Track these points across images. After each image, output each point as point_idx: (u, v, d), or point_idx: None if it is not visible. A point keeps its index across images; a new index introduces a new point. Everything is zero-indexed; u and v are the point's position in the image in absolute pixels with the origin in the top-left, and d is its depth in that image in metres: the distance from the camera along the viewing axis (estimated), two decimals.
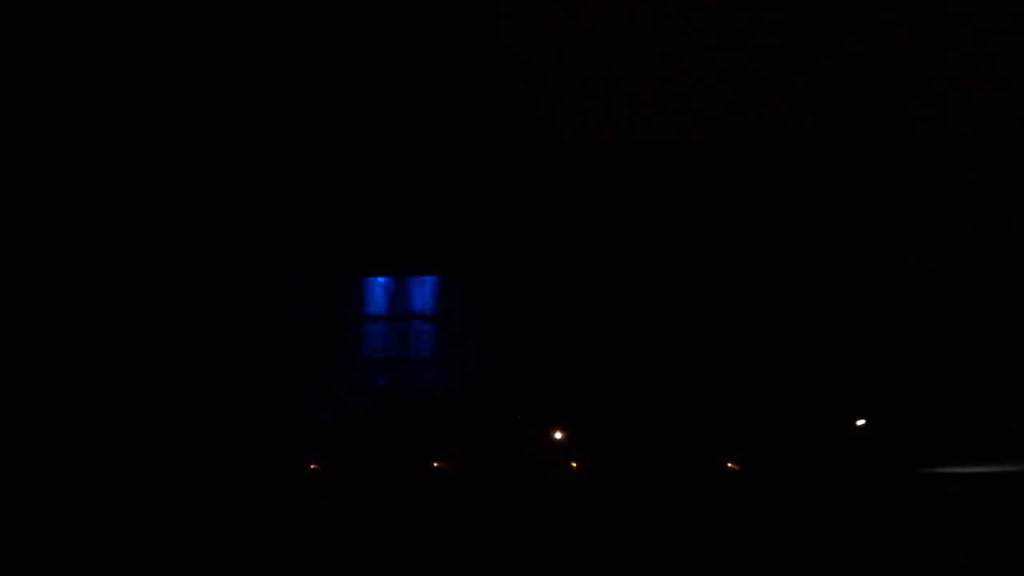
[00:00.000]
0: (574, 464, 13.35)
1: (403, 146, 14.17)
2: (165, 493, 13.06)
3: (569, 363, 13.65)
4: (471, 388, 13.84)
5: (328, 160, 14.26)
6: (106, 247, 14.07)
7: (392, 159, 14.18)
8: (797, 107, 13.25)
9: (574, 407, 13.54)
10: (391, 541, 12.52)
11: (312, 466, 13.61)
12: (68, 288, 13.94)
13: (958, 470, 12.46)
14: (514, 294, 13.91)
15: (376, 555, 12.43)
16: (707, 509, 12.53)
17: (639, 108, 13.57)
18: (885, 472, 12.63)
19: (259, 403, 13.84)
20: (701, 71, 13.30)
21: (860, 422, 12.90)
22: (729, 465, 13.10)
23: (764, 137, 13.50)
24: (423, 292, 14.29)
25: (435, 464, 13.53)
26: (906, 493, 12.34)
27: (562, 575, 12.14)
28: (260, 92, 13.93)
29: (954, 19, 12.66)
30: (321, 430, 13.79)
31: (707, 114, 13.46)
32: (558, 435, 13.44)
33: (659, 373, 13.46)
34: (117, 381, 13.77)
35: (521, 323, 13.83)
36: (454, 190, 14.11)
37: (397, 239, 14.18)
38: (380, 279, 14.35)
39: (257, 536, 12.57)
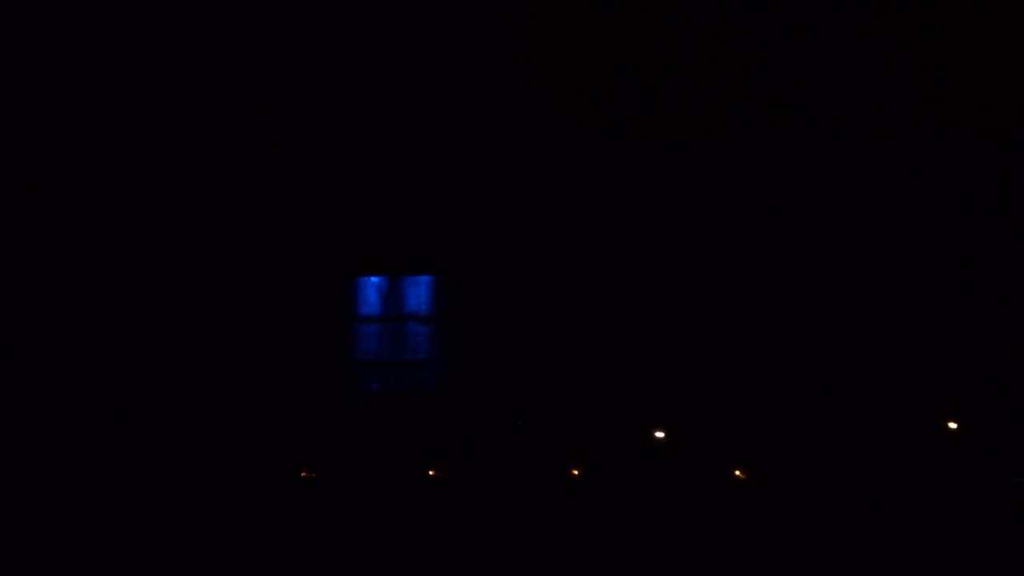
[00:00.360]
0: (575, 471, 13.13)
1: (398, 142, 14.08)
2: (153, 500, 12.89)
3: (570, 365, 13.50)
4: (468, 391, 13.70)
5: (320, 156, 14.18)
6: (96, 249, 14.00)
7: (386, 155, 14.08)
8: (800, 105, 13.28)
9: (575, 411, 13.38)
10: (386, 550, 12.32)
11: (303, 474, 13.41)
12: (60, 291, 13.88)
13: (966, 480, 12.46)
14: (512, 294, 13.78)
15: (371, 565, 12.25)
16: (713, 518, 12.34)
17: (638, 106, 13.54)
18: (894, 479, 12.58)
19: (249, 408, 13.67)
20: (701, 69, 13.28)
21: (952, 425, 12.70)
22: (737, 473, 12.91)
23: (767, 135, 13.48)
24: (418, 292, 14.18)
25: (431, 471, 13.34)
26: (911, 499, 12.26)
27: None
28: (252, 91, 13.93)
29: (954, 17, 12.74)
30: (313, 436, 13.64)
31: (708, 112, 13.45)
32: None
33: (664, 376, 13.32)
34: (106, 384, 13.68)
35: (519, 324, 13.70)
36: (450, 187, 14.00)
37: (391, 238, 14.07)
38: (374, 279, 14.23)
39: (247, 546, 12.38)
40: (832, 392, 12.98)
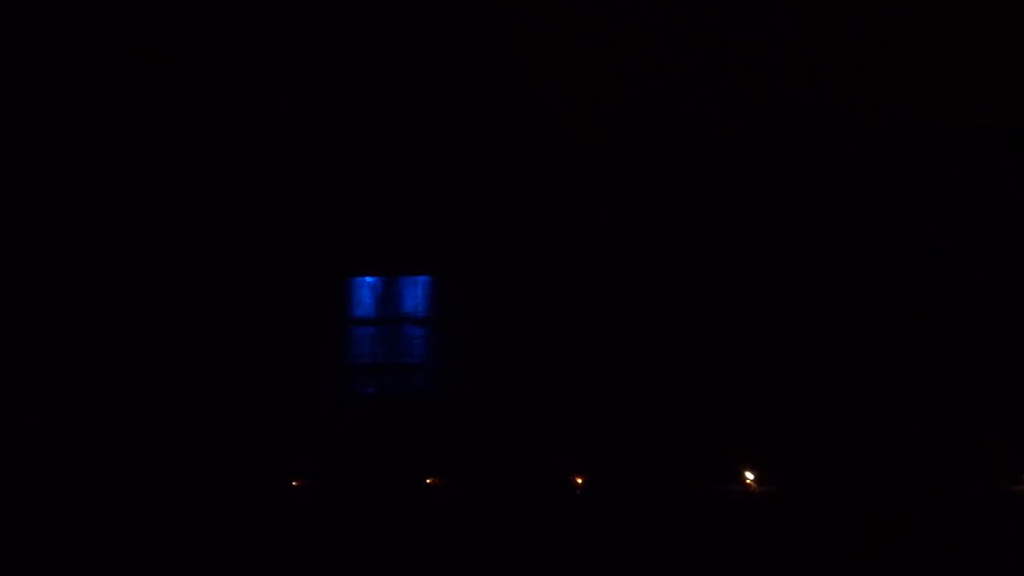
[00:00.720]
0: (578, 478, 12.86)
1: (393, 139, 13.94)
2: (138, 509, 12.73)
3: (572, 369, 13.29)
4: (466, 396, 13.54)
5: (313, 153, 14.04)
6: (84, 250, 13.86)
7: (382, 149, 13.95)
8: (804, 101, 13.05)
9: (577, 416, 13.13)
10: (381, 561, 12.16)
11: (295, 483, 13.19)
12: (48, 291, 13.75)
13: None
14: (513, 295, 13.60)
15: None
16: (720, 527, 12.09)
17: (643, 103, 13.37)
18: (904, 487, 12.20)
19: (237, 414, 13.50)
20: (706, 65, 13.08)
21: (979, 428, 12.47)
22: (748, 481, 12.60)
23: (771, 131, 13.33)
24: (415, 293, 14.04)
25: (429, 480, 13.10)
26: (922, 506, 11.89)
27: None
28: (242, 86, 13.78)
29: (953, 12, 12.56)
30: (304, 442, 13.46)
31: (712, 109, 13.29)
32: None
33: (670, 379, 13.11)
34: (92, 385, 13.53)
35: (520, 326, 13.52)
36: (448, 185, 13.85)
37: (387, 236, 13.95)
38: (368, 279, 14.11)
39: (235, 559, 12.24)
40: (842, 394, 12.75)
